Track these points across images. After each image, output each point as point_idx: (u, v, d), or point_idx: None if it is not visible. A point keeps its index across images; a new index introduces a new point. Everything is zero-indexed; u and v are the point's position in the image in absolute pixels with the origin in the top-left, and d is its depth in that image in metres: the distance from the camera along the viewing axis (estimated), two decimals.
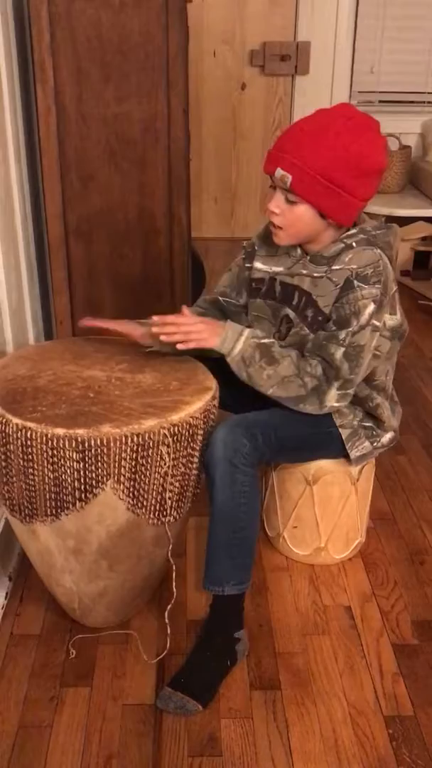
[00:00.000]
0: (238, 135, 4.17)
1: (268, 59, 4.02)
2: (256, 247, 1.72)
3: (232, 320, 1.76)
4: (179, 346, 1.56)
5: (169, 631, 1.59)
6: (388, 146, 3.79)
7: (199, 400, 1.51)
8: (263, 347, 1.56)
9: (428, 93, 4.14)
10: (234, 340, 1.55)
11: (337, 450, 1.71)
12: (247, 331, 1.57)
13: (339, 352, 1.53)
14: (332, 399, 1.57)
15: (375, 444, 1.74)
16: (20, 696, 1.54)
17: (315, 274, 1.60)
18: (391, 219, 3.63)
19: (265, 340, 1.57)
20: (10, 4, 1.96)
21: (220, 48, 4.03)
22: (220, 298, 1.79)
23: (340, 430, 1.68)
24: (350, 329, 1.53)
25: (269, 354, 1.55)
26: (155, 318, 1.58)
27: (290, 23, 3.98)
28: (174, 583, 1.57)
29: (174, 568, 1.56)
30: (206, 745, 1.44)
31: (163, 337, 1.56)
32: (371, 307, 1.52)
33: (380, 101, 4.13)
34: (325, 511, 1.83)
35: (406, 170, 3.95)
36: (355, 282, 1.52)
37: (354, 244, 1.56)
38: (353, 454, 1.71)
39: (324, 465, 1.78)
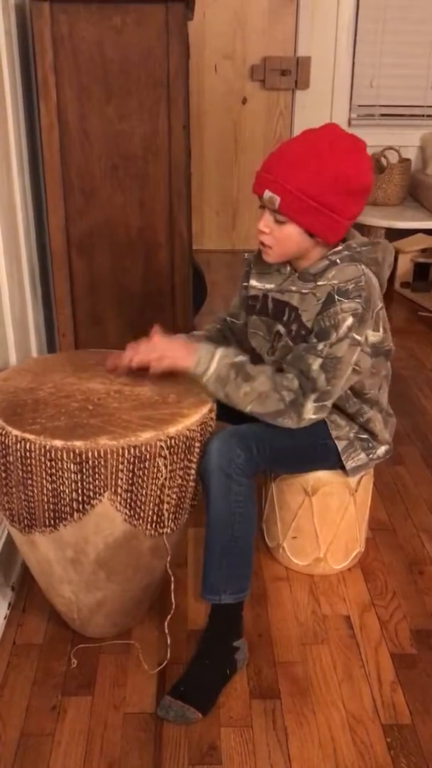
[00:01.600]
0: (239, 148, 4.23)
1: (269, 74, 4.07)
2: (252, 265, 1.75)
3: (240, 340, 1.79)
4: (152, 369, 1.58)
5: (169, 642, 1.61)
6: (390, 162, 3.84)
7: (196, 413, 1.53)
8: (237, 365, 1.57)
9: (428, 106, 4.19)
10: (208, 361, 1.57)
11: (334, 461, 1.73)
12: (219, 351, 1.58)
13: (316, 363, 1.55)
14: (309, 411, 1.57)
15: (371, 456, 1.76)
16: (23, 705, 1.55)
17: (303, 291, 1.63)
18: (390, 231, 3.67)
19: (237, 359, 1.58)
20: (14, 23, 2.01)
21: (221, 63, 4.08)
22: (228, 318, 1.83)
23: (336, 442, 1.70)
24: (328, 341, 1.55)
25: (244, 371, 1.57)
26: (127, 348, 1.60)
27: (290, 38, 4.04)
28: (173, 595, 1.59)
29: (173, 579, 1.58)
30: (206, 753, 1.46)
31: (136, 360, 1.59)
32: (350, 321, 1.54)
33: (380, 115, 4.18)
34: (324, 521, 1.85)
35: (406, 183, 3.99)
36: (336, 296, 1.54)
37: (338, 260, 1.58)
38: (349, 465, 1.73)
39: (322, 476, 1.80)
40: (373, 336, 1.64)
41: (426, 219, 3.83)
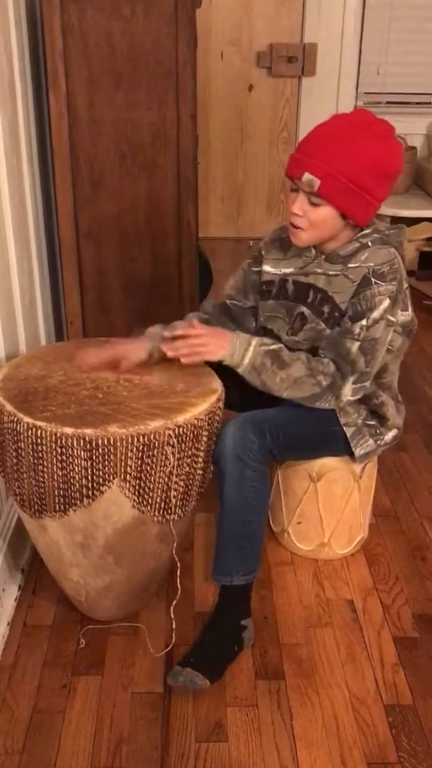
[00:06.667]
0: (245, 136, 4.21)
1: (275, 61, 4.05)
2: (263, 252, 1.77)
3: (239, 322, 1.80)
4: (184, 361, 1.60)
5: (174, 626, 1.65)
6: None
7: (204, 402, 1.55)
8: (273, 353, 1.61)
9: None
10: (243, 351, 1.60)
11: (342, 448, 1.76)
12: (254, 341, 1.61)
13: (354, 347, 1.59)
14: (348, 393, 1.62)
15: (378, 442, 1.79)
16: (34, 684, 1.59)
17: (330, 273, 1.65)
18: (396, 219, 3.66)
19: (274, 347, 1.62)
20: (24, 12, 2.01)
21: (227, 49, 4.06)
22: (227, 302, 1.84)
23: (344, 428, 1.73)
24: (364, 323, 1.58)
25: (279, 359, 1.60)
26: (166, 334, 1.61)
27: (297, 25, 4.01)
28: (179, 580, 1.62)
29: (179, 565, 1.61)
30: (213, 732, 1.49)
31: (169, 353, 1.60)
32: (386, 303, 1.58)
33: (386, 102, 4.16)
34: (329, 507, 1.88)
35: (412, 171, 3.98)
36: (373, 279, 1.58)
37: (370, 243, 1.62)
38: (358, 452, 1.76)
39: (327, 462, 1.83)
40: (403, 315, 1.68)
41: (431, 207, 3.83)
